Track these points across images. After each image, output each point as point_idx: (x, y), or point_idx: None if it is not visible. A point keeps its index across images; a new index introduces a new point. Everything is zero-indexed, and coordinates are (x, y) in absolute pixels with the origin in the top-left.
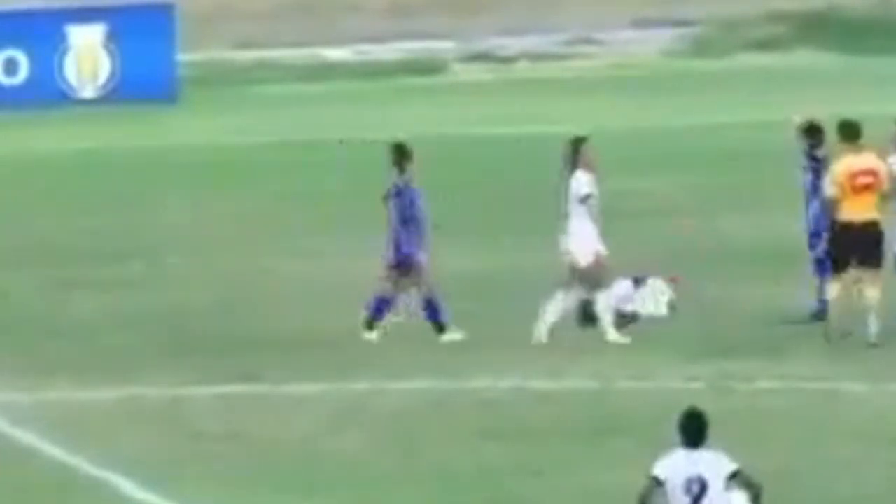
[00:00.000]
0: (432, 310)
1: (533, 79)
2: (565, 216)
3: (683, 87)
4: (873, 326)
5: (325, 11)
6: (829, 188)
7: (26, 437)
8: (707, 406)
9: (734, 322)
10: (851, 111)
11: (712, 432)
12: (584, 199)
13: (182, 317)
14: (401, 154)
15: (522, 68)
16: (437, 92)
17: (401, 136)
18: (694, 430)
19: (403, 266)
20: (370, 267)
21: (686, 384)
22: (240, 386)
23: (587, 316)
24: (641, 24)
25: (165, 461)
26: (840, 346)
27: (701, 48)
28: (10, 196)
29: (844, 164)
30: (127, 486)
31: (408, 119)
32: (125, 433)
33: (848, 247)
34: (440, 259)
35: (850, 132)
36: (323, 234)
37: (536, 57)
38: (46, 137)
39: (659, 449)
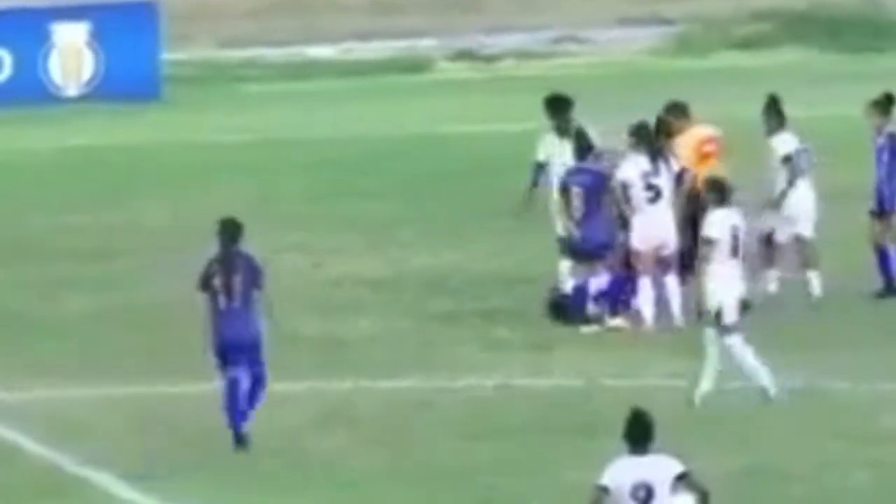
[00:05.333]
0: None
1: (518, 77)
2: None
3: (668, 86)
4: None
5: (309, 10)
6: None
7: (11, 435)
8: (691, 404)
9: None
10: (837, 110)
11: (699, 430)
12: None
13: (167, 315)
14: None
15: (508, 66)
16: (422, 90)
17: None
18: (638, 434)
19: None
20: (355, 265)
21: (671, 382)
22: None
23: (558, 308)
24: (626, 22)
25: (151, 459)
26: (823, 344)
27: (685, 47)
28: None
29: (691, 134)
30: (112, 484)
31: (392, 117)
32: (110, 432)
33: None
34: (422, 258)
35: (683, 111)
36: (308, 232)
37: (522, 55)
38: (30, 136)
39: None
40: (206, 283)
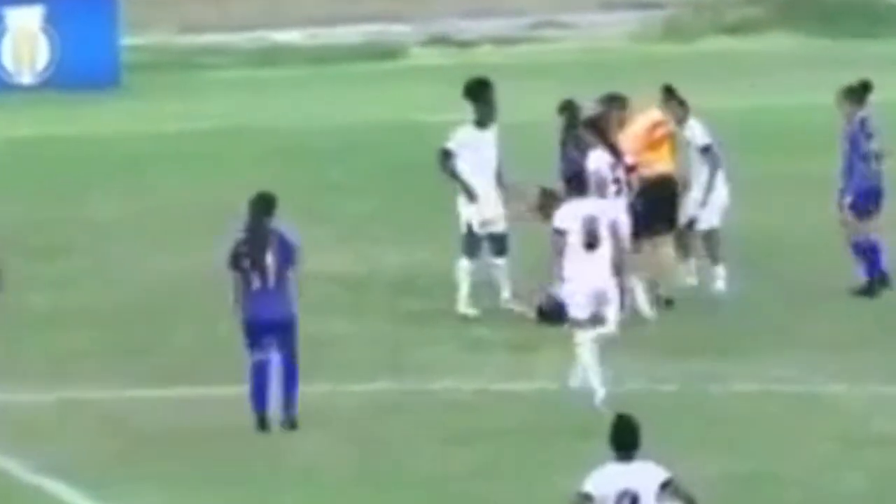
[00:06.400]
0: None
1: (496, 64)
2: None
3: (653, 72)
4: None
5: None
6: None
7: None
8: (680, 408)
9: (706, 321)
10: (827, 97)
11: (691, 435)
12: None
13: (127, 315)
14: None
15: (485, 53)
16: (394, 77)
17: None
18: (625, 440)
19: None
20: (324, 261)
21: (657, 386)
22: (190, 388)
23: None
24: (609, 6)
25: (109, 465)
26: (817, 345)
27: (671, 31)
28: None
29: (641, 122)
30: (67, 491)
31: (363, 106)
32: (66, 436)
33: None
34: (395, 254)
35: (624, 104)
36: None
37: (499, 41)
38: None
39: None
40: (235, 262)
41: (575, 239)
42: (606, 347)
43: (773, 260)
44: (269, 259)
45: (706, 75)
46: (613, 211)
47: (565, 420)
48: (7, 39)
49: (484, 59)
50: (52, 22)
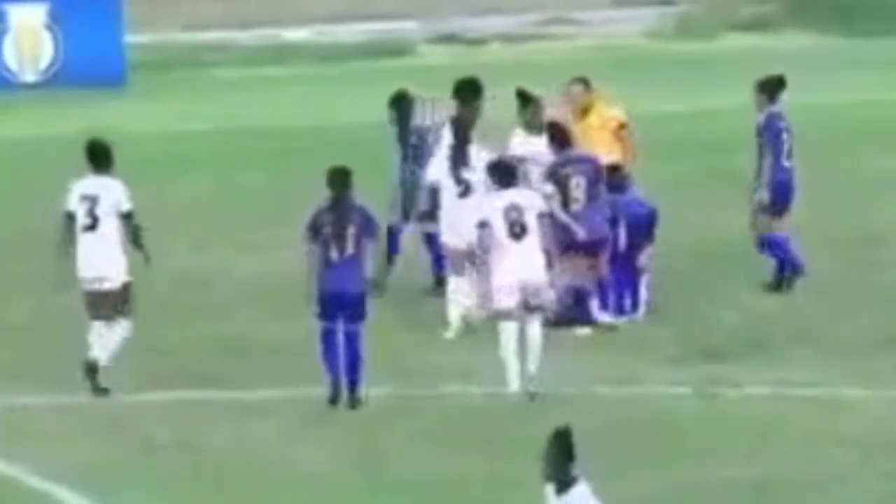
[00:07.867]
0: None
1: (505, 62)
2: None
3: (667, 70)
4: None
5: None
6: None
7: None
8: (693, 413)
9: (721, 323)
10: (845, 96)
11: (705, 440)
12: None
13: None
14: None
15: (494, 50)
16: (403, 76)
17: None
18: (572, 453)
19: None
20: None
21: (670, 389)
22: (192, 392)
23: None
24: (622, 2)
25: (111, 471)
26: (833, 348)
27: (684, 29)
28: None
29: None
30: (73, 497)
31: (371, 104)
32: (68, 442)
33: None
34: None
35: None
36: (281, 228)
37: (509, 38)
38: None
39: (640, 457)
40: (315, 233)
41: (499, 230)
42: (618, 349)
43: None
44: (351, 231)
45: (719, 72)
46: (541, 200)
47: (577, 424)
48: (10, 37)
49: (493, 58)
50: (56, 19)
